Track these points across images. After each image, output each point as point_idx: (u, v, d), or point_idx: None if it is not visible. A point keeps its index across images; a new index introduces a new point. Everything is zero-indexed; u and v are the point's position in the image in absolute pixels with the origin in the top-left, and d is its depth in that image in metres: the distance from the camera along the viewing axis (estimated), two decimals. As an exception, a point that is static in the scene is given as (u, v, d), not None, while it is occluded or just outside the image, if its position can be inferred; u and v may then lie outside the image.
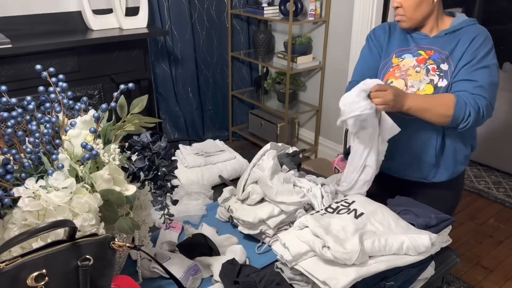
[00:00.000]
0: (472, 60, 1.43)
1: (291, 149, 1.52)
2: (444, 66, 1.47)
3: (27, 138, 0.94)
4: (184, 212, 1.43)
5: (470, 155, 1.63)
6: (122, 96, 1.03)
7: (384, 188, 1.53)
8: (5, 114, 0.92)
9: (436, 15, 1.52)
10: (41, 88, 1.00)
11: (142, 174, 1.05)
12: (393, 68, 1.54)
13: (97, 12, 2.84)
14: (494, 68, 1.45)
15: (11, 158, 0.89)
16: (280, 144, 1.49)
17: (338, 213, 1.23)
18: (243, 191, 1.36)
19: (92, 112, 1.02)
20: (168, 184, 1.08)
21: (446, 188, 1.60)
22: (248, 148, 3.79)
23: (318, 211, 1.27)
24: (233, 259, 1.14)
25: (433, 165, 1.56)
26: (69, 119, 1.02)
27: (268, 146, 1.44)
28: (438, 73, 1.47)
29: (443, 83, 1.46)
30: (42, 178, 0.91)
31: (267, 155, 1.38)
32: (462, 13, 1.58)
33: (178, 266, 1.13)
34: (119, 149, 0.98)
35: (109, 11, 2.89)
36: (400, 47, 1.56)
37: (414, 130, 1.51)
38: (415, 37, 1.55)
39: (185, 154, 1.71)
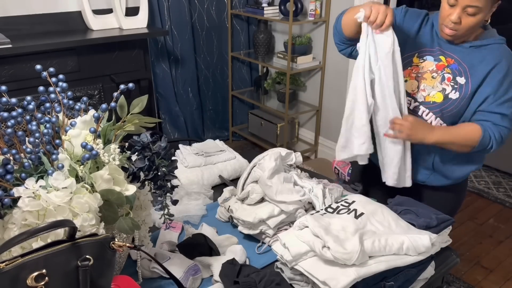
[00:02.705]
0: (498, 90, 1.39)
1: (294, 158, 1.51)
2: (461, 80, 1.43)
3: (27, 138, 0.94)
4: (184, 212, 1.43)
5: (475, 166, 1.60)
6: (122, 96, 1.03)
7: (383, 188, 1.53)
8: (5, 114, 0.92)
9: None
10: (41, 88, 1.00)
11: (142, 174, 1.05)
12: (412, 67, 1.50)
13: (97, 12, 2.84)
14: None
15: (11, 158, 0.89)
16: (284, 154, 1.47)
17: (338, 213, 1.23)
18: (243, 190, 1.36)
19: (92, 112, 1.02)
20: (168, 184, 1.08)
21: (447, 190, 1.59)
22: (248, 148, 3.80)
23: (318, 211, 1.27)
24: (233, 259, 1.14)
25: (430, 170, 1.56)
26: (69, 119, 1.02)
27: (271, 150, 1.43)
28: (452, 84, 1.44)
29: (455, 95, 1.43)
30: (42, 178, 0.91)
31: (270, 156, 1.38)
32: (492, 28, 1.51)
33: (178, 266, 1.13)
34: (119, 149, 0.98)
35: (109, 11, 2.89)
36: (425, 46, 1.50)
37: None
38: (441, 40, 1.48)
39: (185, 154, 1.71)
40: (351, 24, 1.45)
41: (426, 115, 1.47)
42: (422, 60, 1.50)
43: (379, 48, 1.36)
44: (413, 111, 1.49)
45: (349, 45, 1.57)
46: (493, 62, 1.40)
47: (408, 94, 1.48)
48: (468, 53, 1.44)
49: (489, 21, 1.43)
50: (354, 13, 1.39)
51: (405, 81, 1.49)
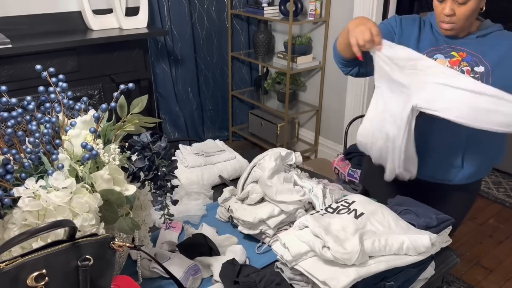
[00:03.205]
0: None
1: (294, 158, 1.51)
2: (479, 69, 1.43)
3: (27, 138, 0.94)
4: (184, 212, 1.43)
5: (497, 161, 1.59)
6: (122, 96, 1.03)
7: (401, 190, 1.51)
8: (5, 114, 0.92)
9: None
10: (41, 88, 1.00)
11: (142, 174, 1.05)
12: None
13: (97, 12, 2.84)
14: None
15: (11, 158, 0.90)
16: (284, 154, 1.47)
17: (338, 213, 1.23)
18: (243, 190, 1.36)
19: (92, 112, 1.02)
20: (168, 184, 1.08)
21: (465, 190, 1.58)
22: (248, 148, 3.80)
23: (318, 211, 1.27)
24: (233, 259, 1.14)
25: (459, 167, 1.53)
26: (69, 119, 1.02)
27: (271, 150, 1.43)
28: (472, 75, 1.43)
29: None
30: (42, 178, 0.91)
31: (270, 156, 1.38)
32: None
33: (178, 266, 1.13)
34: (119, 149, 0.98)
35: (109, 11, 2.89)
36: (432, 46, 1.50)
37: (440, 132, 1.48)
38: (446, 37, 1.49)
39: (185, 154, 1.71)
40: (344, 47, 1.48)
41: None
42: (433, 60, 1.47)
43: (398, 61, 1.36)
44: None
45: (352, 65, 1.57)
46: (505, 44, 1.41)
47: None
48: (476, 43, 1.45)
49: (483, 8, 1.42)
50: (344, 36, 1.45)
51: None
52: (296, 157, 1.49)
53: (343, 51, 1.52)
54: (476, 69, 1.44)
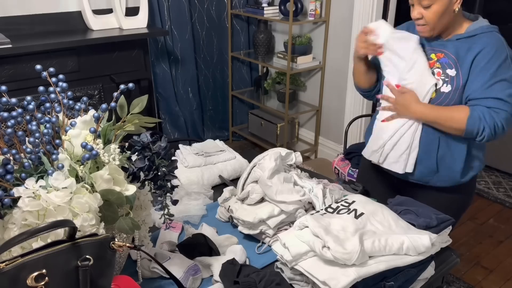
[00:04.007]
0: (485, 77, 1.39)
1: (294, 158, 1.51)
2: (451, 72, 1.44)
3: (27, 138, 0.94)
4: (184, 212, 1.43)
5: (483, 162, 1.60)
6: (122, 96, 1.03)
7: (388, 188, 1.53)
8: (5, 114, 0.92)
9: (454, 21, 1.47)
10: (41, 88, 1.00)
11: (142, 174, 1.05)
12: None
13: (97, 12, 2.84)
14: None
15: (11, 158, 0.89)
16: (284, 154, 1.47)
17: (338, 213, 1.23)
18: (243, 190, 1.36)
19: (92, 112, 1.02)
20: (168, 184, 1.08)
21: (451, 192, 1.58)
22: (248, 148, 3.80)
23: (318, 211, 1.27)
24: (233, 259, 1.14)
25: (434, 171, 1.54)
26: (69, 119, 1.02)
27: (271, 150, 1.43)
28: (443, 77, 1.45)
29: (446, 88, 1.44)
30: (42, 178, 0.91)
31: (270, 156, 1.38)
32: (482, 18, 1.52)
33: (178, 266, 1.13)
34: (119, 149, 0.98)
35: (109, 11, 2.89)
36: None
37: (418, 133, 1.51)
38: (430, 40, 1.52)
39: (185, 154, 1.71)
40: (358, 75, 1.69)
41: None
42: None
43: (403, 51, 1.50)
44: None
45: (373, 90, 1.72)
46: (478, 48, 1.41)
47: None
48: (455, 45, 1.47)
49: (456, 10, 1.43)
50: (355, 60, 1.64)
51: None
52: (296, 157, 1.49)
53: (359, 81, 1.70)
54: (448, 71, 1.45)
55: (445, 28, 1.47)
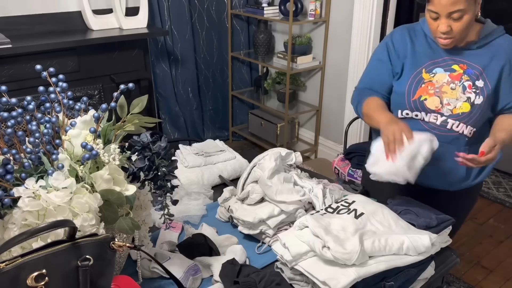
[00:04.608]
0: None
1: (294, 158, 1.51)
2: (479, 83, 1.40)
3: (27, 138, 0.94)
4: (184, 212, 1.43)
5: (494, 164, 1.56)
6: (122, 96, 1.03)
7: (395, 192, 1.50)
8: (5, 114, 0.92)
9: None
10: (41, 88, 1.00)
11: (142, 174, 1.05)
12: (426, 84, 1.44)
13: (97, 12, 2.84)
14: None
15: (11, 158, 0.90)
16: (284, 154, 1.46)
17: (338, 213, 1.23)
18: (242, 190, 1.36)
19: (92, 112, 1.02)
20: (168, 184, 1.08)
21: (461, 195, 1.56)
22: (248, 148, 3.80)
23: (318, 211, 1.27)
24: (233, 259, 1.14)
25: (445, 175, 1.51)
26: (69, 119, 1.02)
27: (272, 150, 1.43)
28: (474, 90, 1.41)
29: (479, 100, 1.40)
30: (42, 178, 0.91)
31: (270, 156, 1.38)
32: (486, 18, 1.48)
33: (178, 266, 1.13)
34: (119, 149, 0.98)
35: (109, 11, 2.89)
36: (430, 59, 1.46)
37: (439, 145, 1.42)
38: (448, 49, 1.43)
39: (185, 154, 1.71)
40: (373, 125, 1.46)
41: (457, 127, 1.42)
42: (433, 74, 1.44)
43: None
44: (441, 126, 1.44)
45: None
46: (504, 56, 1.40)
47: (432, 111, 1.44)
48: (477, 54, 1.42)
49: (479, 15, 1.40)
50: (373, 123, 1.43)
51: (425, 99, 1.44)
52: (296, 157, 1.49)
53: (371, 125, 1.51)
54: (477, 83, 1.41)
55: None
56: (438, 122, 1.44)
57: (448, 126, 1.43)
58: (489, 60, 1.41)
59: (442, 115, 1.43)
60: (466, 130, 1.42)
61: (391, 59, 1.51)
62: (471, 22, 1.34)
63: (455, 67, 1.43)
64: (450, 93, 1.42)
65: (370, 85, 1.56)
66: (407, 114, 1.47)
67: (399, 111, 1.48)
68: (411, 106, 1.45)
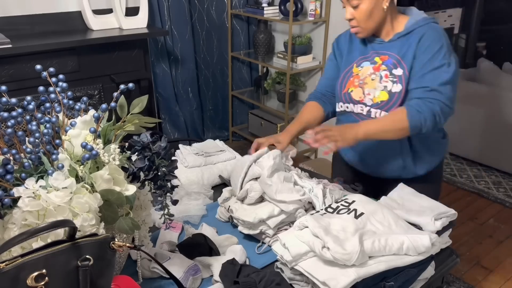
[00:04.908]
0: (421, 65, 1.42)
1: (290, 160, 1.54)
2: (398, 71, 1.46)
3: (27, 138, 0.94)
4: (184, 212, 1.43)
5: (446, 146, 1.66)
6: (122, 96, 1.03)
7: (364, 186, 1.55)
8: (5, 114, 0.92)
9: (391, 19, 1.50)
10: (41, 88, 1.00)
11: (142, 174, 1.05)
12: (353, 77, 1.55)
13: (97, 12, 2.84)
14: (445, 67, 1.40)
15: (11, 158, 0.89)
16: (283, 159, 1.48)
17: (338, 213, 1.23)
18: (241, 189, 1.36)
19: (92, 112, 1.02)
20: (168, 184, 1.08)
21: (424, 181, 1.59)
22: (248, 148, 3.79)
23: (318, 211, 1.27)
24: (233, 259, 1.14)
25: (405, 164, 1.58)
26: (69, 119, 1.02)
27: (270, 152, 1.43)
28: (391, 78, 1.47)
29: (397, 88, 1.46)
30: (42, 178, 0.91)
31: (268, 154, 1.38)
32: (417, 9, 1.55)
33: (178, 266, 1.13)
34: (119, 149, 0.98)
35: (109, 11, 2.89)
36: (361, 55, 1.57)
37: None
38: (373, 43, 1.55)
39: (185, 154, 1.71)
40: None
41: (380, 115, 1.50)
42: (361, 68, 1.55)
43: None
44: (367, 116, 1.52)
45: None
46: (415, 42, 1.44)
47: (358, 102, 1.54)
48: (398, 44, 1.49)
49: (385, 7, 1.44)
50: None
51: (351, 91, 1.54)
52: (290, 151, 1.53)
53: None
54: (394, 71, 1.47)
55: (380, 27, 1.50)
56: (364, 112, 1.53)
57: (372, 115, 1.51)
58: (407, 47, 1.46)
59: (366, 105, 1.52)
60: None
61: (337, 57, 1.66)
62: (372, 12, 1.44)
63: (376, 59, 1.52)
64: (370, 83, 1.51)
65: (324, 86, 1.71)
66: (341, 106, 1.59)
67: (337, 105, 1.61)
68: (342, 99, 1.58)
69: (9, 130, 0.89)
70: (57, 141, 0.96)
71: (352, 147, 1.57)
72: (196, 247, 1.23)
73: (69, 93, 1.03)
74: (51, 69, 1.00)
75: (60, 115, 1.01)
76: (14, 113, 0.92)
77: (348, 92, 1.55)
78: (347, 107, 1.57)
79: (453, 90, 1.41)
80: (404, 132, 1.42)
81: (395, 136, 1.44)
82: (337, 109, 1.62)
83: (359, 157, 1.66)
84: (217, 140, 1.86)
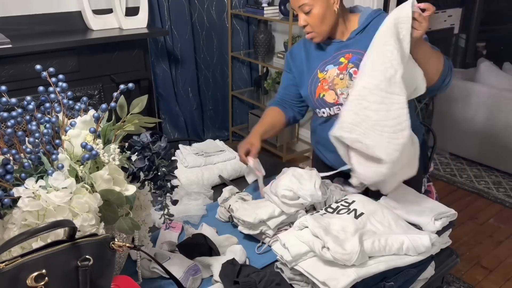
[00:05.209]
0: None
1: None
2: None
3: (27, 138, 0.94)
4: (184, 212, 1.43)
5: (423, 142, 1.62)
6: (122, 96, 1.03)
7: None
8: (5, 114, 0.92)
9: (343, 19, 1.53)
10: (41, 88, 1.00)
11: (142, 174, 1.05)
12: (321, 82, 1.57)
13: (97, 12, 2.84)
14: None
15: (11, 158, 0.89)
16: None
17: (338, 213, 1.23)
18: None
19: (92, 112, 1.02)
20: (168, 184, 1.08)
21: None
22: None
23: (318, 211, 1.27)
24: (233, 259, 1.14)
25: None
26: (69, 119, 1.02)
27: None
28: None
29: None
30: (42, 178, 0.91)
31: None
32: (361, 5, 1.57)
33: (178, 266, 1.13)
34: (119, 149, 0.98)
35: (109, 11, 2.89)
36: (322, 60, 1.58)
37: None
38: (331, 46, 1.57)
39: (185, 154, 1.71)
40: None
41: None
42: (325, 72, 1.56)
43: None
44: None
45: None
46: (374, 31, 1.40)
47: (333, 104, 1.54)
48: (359, 40, 1.50)
49: (336, 10, 1.47)
50: None
51: (323, 95, 1.56)
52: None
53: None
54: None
55: (334, 29, 1.52)
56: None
57: None
58: (369, 40, 1.40)
59: (341, 105, 1.52)
60: None
61: (292, 69, 1.69)
62: (324, 16, 1.46)
63: (341, 59, 1.53)
64: (340, 83, 1.52)
65: (282, 95, 1.74)
66: (323, 113, 1.59)
67: (317, 114, 1.63)
68: (316, 105, 1.59)
69: (9, 130, 0.89)
70: (57, 141, 0.96)
71: (331, 149, 1.46)
72: (196, 247, 1.23)
73: (69, 93, 1.03)
74: (51, 69, 1.00)
75: (60, 115, 1.01)
76: (14, 113, 0.92)
77: (321, 97, 1.57)
78: (324, 113, 1.58)
79: None
80: (436, 67, 1.33)
81: (433, 68, 1.33)
82: (319, 116, 1.62)
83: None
84: (217, 140, 1.86)
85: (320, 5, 1.45)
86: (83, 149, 0.93)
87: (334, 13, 1.48)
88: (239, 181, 1.66)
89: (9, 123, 0.90)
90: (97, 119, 1.00)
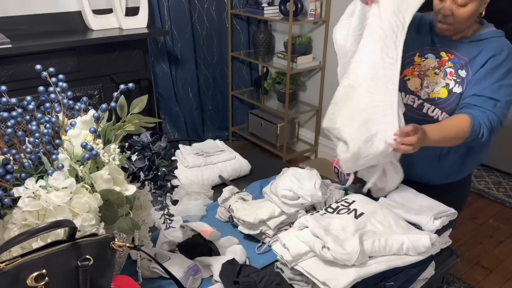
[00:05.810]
0: (493, 75, 1.37)
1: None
2: (462, 73, 1.42)
3: (27, 138, 0.94)
4: (184, 212, 1.43)
5: (480, 159, 1.59)
6: (122, 96, 1.03)
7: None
8: (5, 114, 0.92)
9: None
10: (41, 88, 1.00)
11: (142, 174, 1.05)
12: (414, 66, 1.50)
13: (97, 12, 2.84)
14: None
15: (11, 158, 0.89)
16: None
17: (338, 213, 1.23)
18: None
19: (92, 112, 1.02)
20: (168, 184, 1.08)
21: (451, 189, 1.56)
22: (248, 148, 3.79)
23: (318, 211, 1.27)
24: (233, 259, 1.14)
25: (434, 169, 1.53)
26: (69, 119, 1.02)
27: None
28: (455, 78, 1.43)
29: (458, 89, 1.42)
30: (42, 178, 0.91)
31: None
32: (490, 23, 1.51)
33: (178, 266, 1.13)
34: (119, 149, 0.98)
35: (109, 11, 2.89)
36: (425, 45, 1.51)
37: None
38: (441, 38, 1.49)
39: (185, 154, 1.71)
40: None
41: (432, 112, 1.45)
42: (424, 58, 1.49)
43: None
44: (418, 109, 1.47)
45: None
46: (491, 52, 1.39)
47: (411, 92, 1.48)
48: (467, 47, 1.44)
49: (483, 13, 1.42)
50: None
51: (408, 79, 1.49)
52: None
53: None
54: (459, 72, 1.43)
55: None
56: (415, 105, 1.48)
57: (424, 110, 1.47)
58: (477, 53, 1.42)
59: (419, 97, 1.47)
60: (441, 116, 1.45)
61: (413, 27, 1.53)
62: (473, 14, 1.38)
63: (442, 54, 1.48)
64: (432, 77, 1.47)
65: None
66: None
67: None
68: None
69: (9, 130, 0.89)
70: (57, 141, 0.96)
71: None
72: (196, 247, 1.23)
73: (69, 93, 1.03)
74: (51, 69, 1.00)
75: (60, 115, 1.01)
76: (14, 113, 0.92)
77: (404, 80, 1.49)
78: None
79: (509, 110, 1.40)
80: (460, 142, 1.37)
81: (450, 145, 1.40)
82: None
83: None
84: (217, 140, 1.86)
85: (476, 3, 1.36)
86: (83, 149, 0.93)
87: (479, 15, 1.42)
88: (239, 181, 1.66)
89: (9, 123, 0.90)
90: (97, 119, 1.00)
